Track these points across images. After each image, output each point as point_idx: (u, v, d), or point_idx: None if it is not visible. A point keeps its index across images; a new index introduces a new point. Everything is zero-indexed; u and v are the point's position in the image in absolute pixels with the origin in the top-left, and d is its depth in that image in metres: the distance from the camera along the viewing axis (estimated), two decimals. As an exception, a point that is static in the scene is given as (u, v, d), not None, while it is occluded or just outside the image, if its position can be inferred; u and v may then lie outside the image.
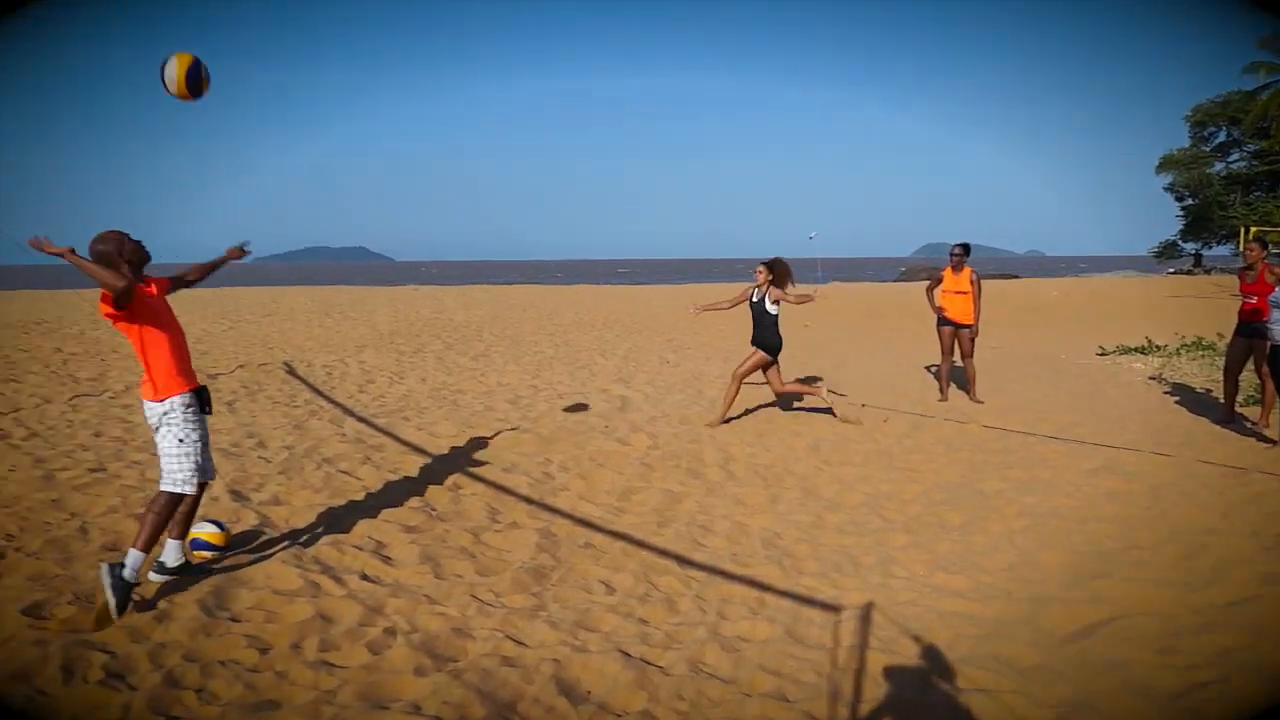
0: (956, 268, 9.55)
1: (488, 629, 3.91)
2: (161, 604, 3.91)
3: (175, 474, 4.03)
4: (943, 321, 9.69)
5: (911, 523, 5.69)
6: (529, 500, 5.84)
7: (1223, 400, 8.49)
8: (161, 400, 4.02)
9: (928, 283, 10.36)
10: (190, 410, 4.07)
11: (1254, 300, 7.90)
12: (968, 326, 9.50)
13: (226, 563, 4.44)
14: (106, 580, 3.77)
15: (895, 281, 46.02)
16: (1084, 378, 11.25)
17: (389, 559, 4.69)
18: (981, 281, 9.65)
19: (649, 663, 3.67)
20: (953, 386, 9.95)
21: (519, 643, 3.80)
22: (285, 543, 4.79)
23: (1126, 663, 3.62)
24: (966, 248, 9.61)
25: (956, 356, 9.68)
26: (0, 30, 3.56)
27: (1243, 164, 44.01)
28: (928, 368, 11.83)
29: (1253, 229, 35.01)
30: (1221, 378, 8.58)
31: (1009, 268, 70.05)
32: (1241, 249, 34.82)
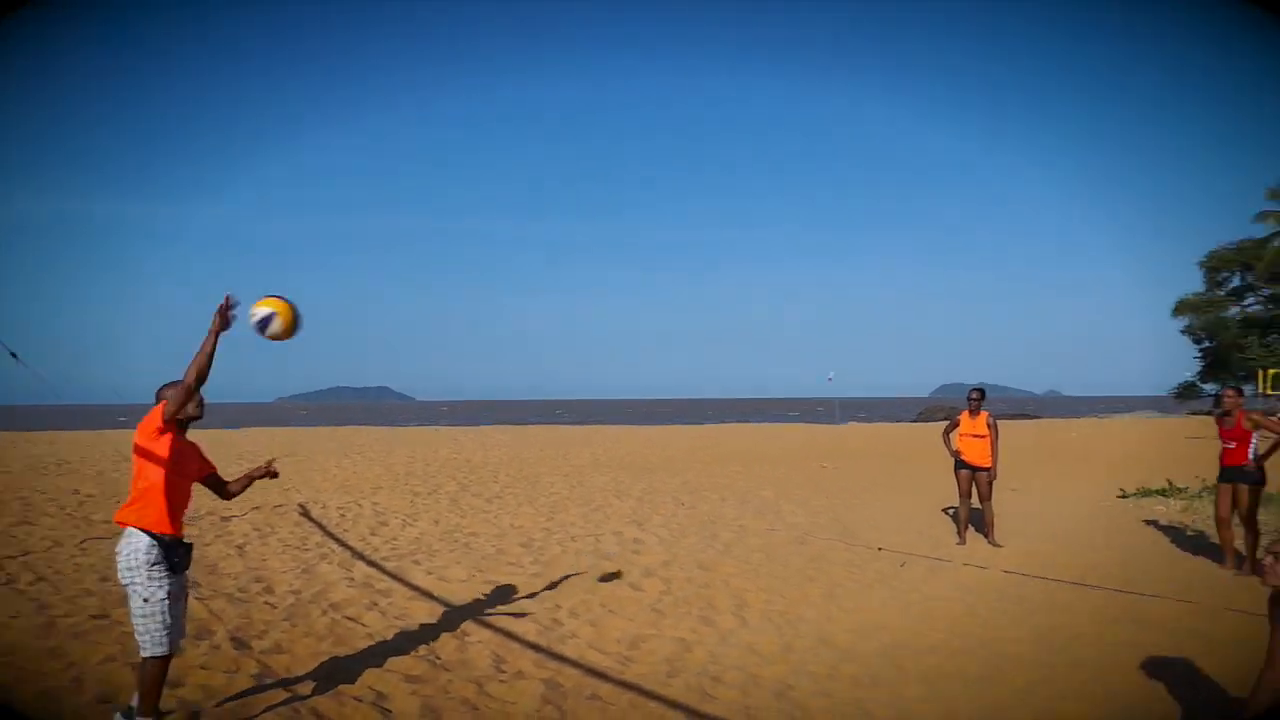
0: (973, 412, 9.60)
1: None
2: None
3: (143, 636, 3.84)
4: (960, 465, 9.67)
5: (929, 673, 5.49)
6: (536, 648, 5.71)
7: (1224, 549, 8.23)
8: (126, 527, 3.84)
9: (945, 424, 10.43)
10: (156, 567, 3.85)
11: (1232, 446, 8.04)
12: (986, 469, 9.48)
13: (222, 713, 4.34)
14: None
15: (914, 422, 45.99)
16: (1106, 521, 11.04)
17: (388, 711, 4.57)
18: (999, 424, 9.72)
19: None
20: (971, 530, 9.79)
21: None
22: (284, 694, 4.68)
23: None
24: (983, 392, 9.71)
25: (975, 499, 9.59)
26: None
27: (1259, 307, 44.27)
28: (946, 510, 11.66)
29: (1270, 370, 35.00)
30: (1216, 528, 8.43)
31: (1028, 408, 69.76)
32: (1261, 390, 34.70)
